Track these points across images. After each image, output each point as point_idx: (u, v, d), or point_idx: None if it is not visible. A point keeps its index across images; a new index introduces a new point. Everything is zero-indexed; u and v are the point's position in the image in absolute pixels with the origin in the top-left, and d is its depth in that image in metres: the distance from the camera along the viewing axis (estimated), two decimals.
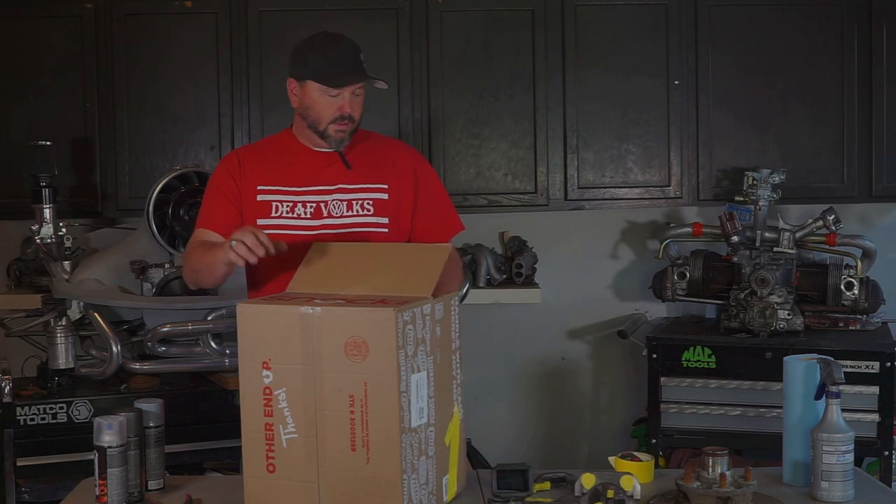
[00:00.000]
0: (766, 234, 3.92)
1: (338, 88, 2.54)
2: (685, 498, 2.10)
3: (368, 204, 2.61)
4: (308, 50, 2.59)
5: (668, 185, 4.09)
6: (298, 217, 2.58)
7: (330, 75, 2.55)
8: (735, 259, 3.96)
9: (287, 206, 2.59)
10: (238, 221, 2.60)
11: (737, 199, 3.98)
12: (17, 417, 3.40)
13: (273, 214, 2.59)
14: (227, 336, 3.51)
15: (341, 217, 2.60)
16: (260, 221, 2.57)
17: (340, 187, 2.61)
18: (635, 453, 2.40)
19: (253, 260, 2.28)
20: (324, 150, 2.63)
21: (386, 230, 2.63)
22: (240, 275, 3.65)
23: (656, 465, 2.42)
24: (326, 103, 2.57)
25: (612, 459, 2.38)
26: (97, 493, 2.14)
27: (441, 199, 2.74)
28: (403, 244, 2.61)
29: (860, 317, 4.01)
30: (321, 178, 2.61)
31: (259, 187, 2.61)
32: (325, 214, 2.59)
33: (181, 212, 3.58)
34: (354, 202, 2.61)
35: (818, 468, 2.16)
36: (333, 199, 2.60)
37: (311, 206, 2.60)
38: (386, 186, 2.64)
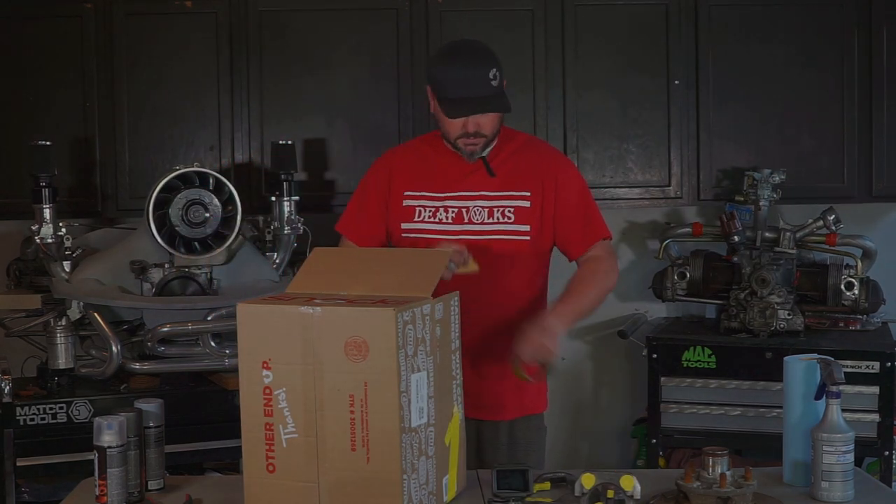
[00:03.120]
0: (767, 234, 3.92)
1: (451, 119, 2.55)
2: (685, 498, 2.10)
3: (510, 212, 2.62)
4: (439, 63, 2.60)
5: (668, 185, 4.09)
6: (440, 222, 2.61)
7: (447, 101, 2.55)
8: (735, 259, 3.97)
9: (430, 210, 2.62)
10: (382, 234, 2.66)
11: (737, 199, 3.98)
12: (17, 417, 3.40)
13: (416, 219, 2.63)
14: (227, 336, 3.51)
15: (482, 224, 2.61)
16: (403, 225, 2.63)
17: (482, 194, 2.62)
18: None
19: None
20: None
21: (528, 238, 2.63)
22: (240, 275, 3.67)
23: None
24: (450, 120, 2.57)
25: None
26: (97, 493, 2.14)
27: (583, 205, 2.70)
28: (404, 249, 2.61)
29: (860, 317, 4.02)
30: (464, 184, 2.62)
31: (406, 192, 2.65)
32: (467, 220, 2.61)
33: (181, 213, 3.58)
34: (496, 209, 2.62)
35: (818, 468, 2.16)
36: (475, 206, 2.62)
37: (452, 212, 2.62)
38: (528, 194, 2.63)
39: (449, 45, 2.69)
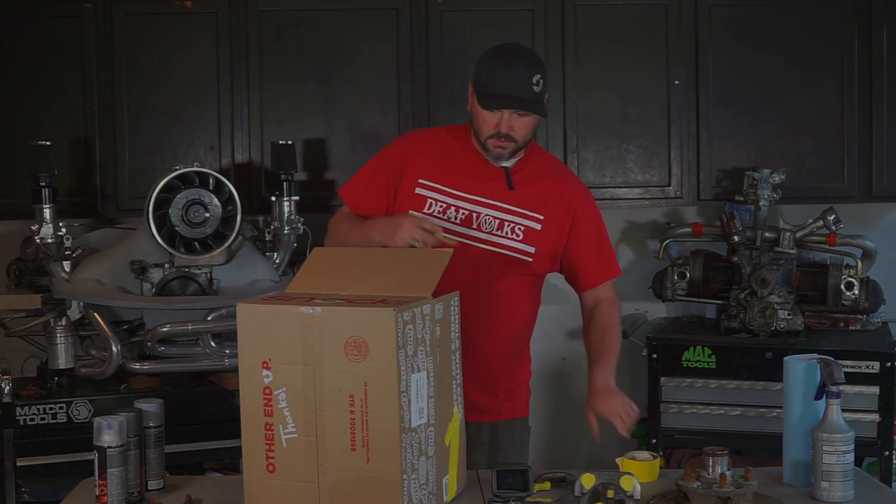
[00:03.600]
0: (767, 234, 3.92)
1: (486, 111, 2.53)
2: (685, 498, 2.10)
3: (519, 230, 2.60)
4: (485, 60, 2.59)
5: (668, 185, 4.09)
6: (448, 220, 2.58)
7: (486, 94, 2.53)
8: (735, 259, 3.97)
9: (441, 205, 2.59)
10: (381, 211, 2.64)
11: (737, 199, 3.98)
12: (17, 417, 3.40)
13: (425, 210, 2.60)
14: (227, 336, 3.52)
15: (490, 234, 2.60)
16: (411, 213, 2.59)
17: (497, 204, 2.60)
18: (636, 453, 2.41)
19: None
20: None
21: (530, 259, 2.62)
22: (240, 275, 3.67)
23: None
24: (485, 117, 2.55)
25: (619, 460, 2.38)
26: (97, 493, 2.14)
27: (599, 241, 2.69)
28: (404, 249, 2.61)
29: (860, 317, 4.02)
30: (482, 189, 2.60)
31: (420, 180, 2.62)
32: (475, 226, 2.59)
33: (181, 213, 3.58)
34: (506, 223, 2.60)
35: (818, 468, 2.16)
36: (486, 214, 2.59)
37: (463, 213, 2.59)
38: (542, 217, 2.62)
39: (501, 44, 2.67)
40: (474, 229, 2.59)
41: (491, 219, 2.60)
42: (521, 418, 2.78)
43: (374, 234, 2.51)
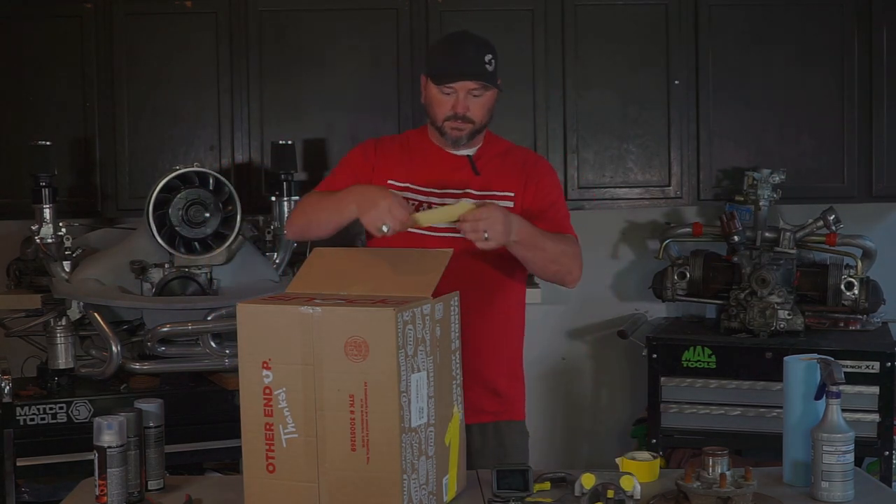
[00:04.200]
0: (767, 234, 3.92)
1: (439, 86, 2.54)
2: (685, 498, 2.10)
3: None
4: (435, 46, 2.63)
5: (668, 185, 4.09)
6: None
7: (437, 73, 2.54)
8: (735, 259, 3.97)
9: (412, 204, 2.57)
10: None
11: (737, 199, 3.98)
12: (17, 417, 3.40)
13: None
14: (227, 336, 3.52)
15: None
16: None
17: (467, 192, 2.59)
18: (636, 453, 2.40)
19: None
20: (456, 152, 2.63)
21: None
22: (240, 275, 3.67)
23: None
24: (440, 100, 2.56)
25: (619, 460, 2.38)
26: (97, 493, 2.14)
27: (555, 206, 2.66)
28: (404, 249, 2.60)
29: (860, 317, 4.02)
30: (449, 182, 2.60)
31: (389, 181, 2.60)
32: None
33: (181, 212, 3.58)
34: None
35: (818, 468, 2.16)
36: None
37: (436, 208, 2.58)
38: (512, 194, 2.62)
39: (452, 32, 2.71)
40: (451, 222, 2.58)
41: None
42: (519, 420, 2.76)
43: (348, 203, 2.43)
